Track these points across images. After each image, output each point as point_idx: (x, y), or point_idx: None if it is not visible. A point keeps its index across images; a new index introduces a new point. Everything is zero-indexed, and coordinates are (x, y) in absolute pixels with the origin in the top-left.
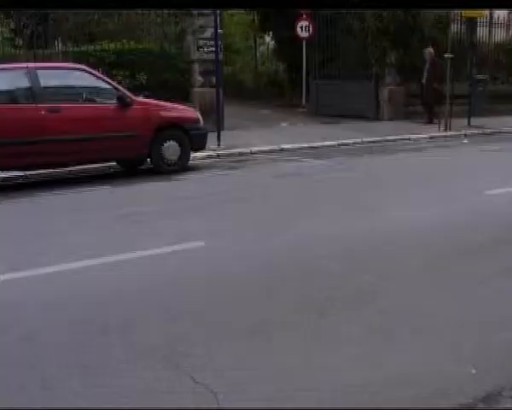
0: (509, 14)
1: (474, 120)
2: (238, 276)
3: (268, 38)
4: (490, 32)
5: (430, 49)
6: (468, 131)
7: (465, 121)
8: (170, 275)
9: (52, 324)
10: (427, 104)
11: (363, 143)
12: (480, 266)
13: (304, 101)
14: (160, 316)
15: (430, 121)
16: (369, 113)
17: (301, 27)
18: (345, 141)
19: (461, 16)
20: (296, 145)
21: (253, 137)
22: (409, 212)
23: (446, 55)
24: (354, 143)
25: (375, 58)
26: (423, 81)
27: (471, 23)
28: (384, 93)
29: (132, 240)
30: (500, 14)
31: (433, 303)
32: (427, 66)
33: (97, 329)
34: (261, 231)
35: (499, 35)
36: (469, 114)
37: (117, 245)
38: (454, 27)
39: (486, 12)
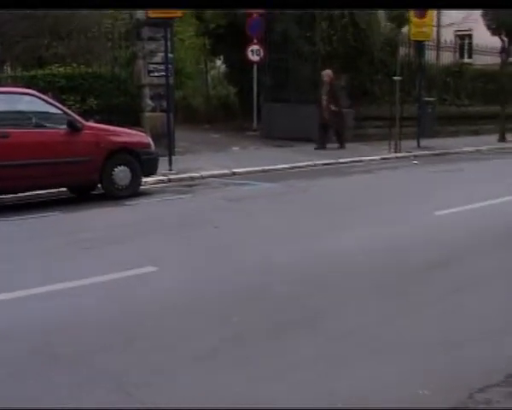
0: (455, 37)
1: (424, 142)
2: (190, 301)
3: (219, 62)
4: (438, 54)
5: (328, 72)
6: (418, 153)
7: (415, 143)
8: (122, 301)
9: None
10: (335, 130)
11: (315, 165)
12: (429, 286)
13: (255, 124)
14: (112, 343)
15: (341, 146)
16: None
17: (252, 51)
18: (297, 164)
19: (409, 39)
20: (248, 169)
21: (205, 161)
22: (359, 233)
23: (395, 78)
24: (306, 166)
25: None
26: (323, 104)
27: (419, 46)
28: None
29: (82, 266)
30: (447, 37)
31: (382, 326)
32: (325, 89)
33: (45, 359)
34: (212, 257)
35: (447, 58)
36: (419, 136)
37: (66, 272)
38: (403, 50)
39: (434, 35)
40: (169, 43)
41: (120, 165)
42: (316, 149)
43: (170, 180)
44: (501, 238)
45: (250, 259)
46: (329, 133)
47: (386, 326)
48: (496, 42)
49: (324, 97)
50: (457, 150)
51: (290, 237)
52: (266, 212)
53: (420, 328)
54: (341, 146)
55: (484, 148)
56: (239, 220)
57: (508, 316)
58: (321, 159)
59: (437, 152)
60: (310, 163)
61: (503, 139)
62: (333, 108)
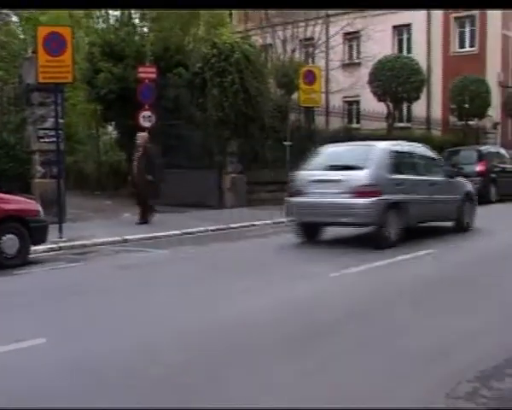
0: (343, 103)
1: None
2: (78, 373)
3: (111, 128)
4: (327, 120)
5: (143, 134)
6: None
7: None
8: (10, 375)
9: None
10: (140, 199)
11: (207, 231)
12: (328, 344)
13: None
14: None
15: (145, 220)
16: (212, 201)
17: (144, 117)
18: (189, 230)
19: (299, 106)
20: (139, 235)
21: (96, 228)
22: (256, 296)
23: (285, 143)
24: (198, 232)
25: (217, 148)
26: (135, 171)
27: (309, 112)
28: (227, 181)
29: None
30: (336, 103)
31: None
32: (138, 153)
33: None
34: (103, 326)
35: (335, 123)
36: None
37: None
38: (293, 116)
39: (323, 101)
40: (60, 109)
41: (8, 233)
42: (138, 223)
43: (60, 248)
44: (399, 295)
45: (142, 327)
46: (148, 204)
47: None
48: (382, 107)
49: (137, 164)
50: None
51: (183, 303)
52: (158, 279)
53: (322, 389)
54: (145, 221)
55: None
56: (130, 288)
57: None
58: (213, 224)
59: None
60: (201, 229)
61: None
62: (148, 177)
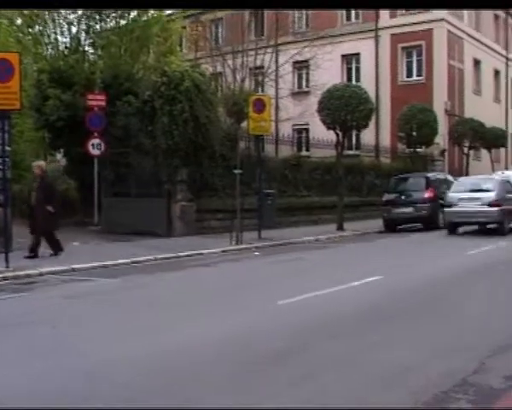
0: (293, 131)
1: (265, 233)
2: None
3: (59, 156)
4: (277, 148)
5: (40, 163)
6: (259, 244)
7: (256, 234)
8: None
9: None
10: (40, 231)
11: (156, 259)
12: (279, 373)
13: (96, 219)
14: None
15: (34, 254)
16: (161, 229)
17: (93, 145)
18: (138, 258)
19: (249, 134)
20: (88, 265)
21: (44, 257)
22: (202, 325)
23: (235, 171)
24: (147, 261)
25: (167, 176)
26: (33, 202)
27: (258, 140)
28: (176, 210)
29: None
30: (285, 131)
31: None
32: (36, 183)
33: None
34: (50, 358)
35: (285, 151)
36: (259, 227)
37: None
38: (243, 144)
39: (272, 130)
40: (6, 136)
41: None
42: (26, 257)
43: (6, 278)
44: (345, 322)
45: (89, 358)
46: (40, 239)
47: None
48: (331, 135)
49: (36, 194)
50: (298, 240)
51: (131, 332)
52: (105, 308)
53: None
54: (55, 253)
55: (323, 237)
56: (77, 319)
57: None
58: (161, 253)
59: (278, 242)
60: (150, 257)
61: (341, 228)
62: (48, 207)
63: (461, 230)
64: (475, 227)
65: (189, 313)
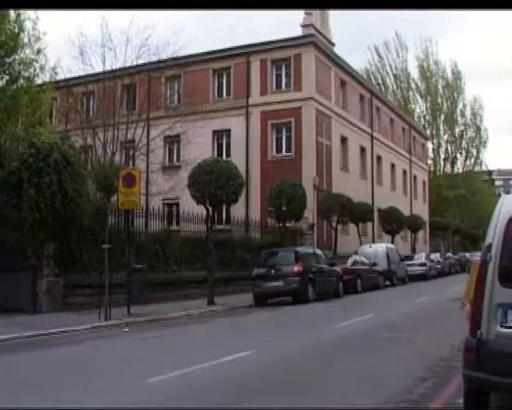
0: (163, 205)
1: (135, 308)
2: None
3: None
4: (147, 222)
5: None
6: (129, 320)
7: (125, 310)
8: None
9: None
10: None
11: (22, 337)
12: None
13: None
14: None
15: None
16: (26, 305)
17: None
18: (2, 336)
19: (118, 209)
20: None
21: None
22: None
23: (104, 246)
24: (13, 339)
25: (32, 249)
26: None
27: (128, 214)
28: (42, 285)
29: None
30: (155, 205)
31: None
32: None
33: None
34: None
35: (155, 225)
36: (129, 303)
37: None
38: (112, 218)
39: (143, 203)
40: None
41: None
42: None
43: None
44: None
45: None
46: None
47: None
48: (202, 209)
49: None
50: (169, 315)
51: None
52: None
53: None
54: None
55: (195, 311)
56: None
57: None
58: (28, 330)
59: (148, 318)
60: (17, 335)
61: (212, 302)
62: None
63: None
64: None
65: (53, 396)
